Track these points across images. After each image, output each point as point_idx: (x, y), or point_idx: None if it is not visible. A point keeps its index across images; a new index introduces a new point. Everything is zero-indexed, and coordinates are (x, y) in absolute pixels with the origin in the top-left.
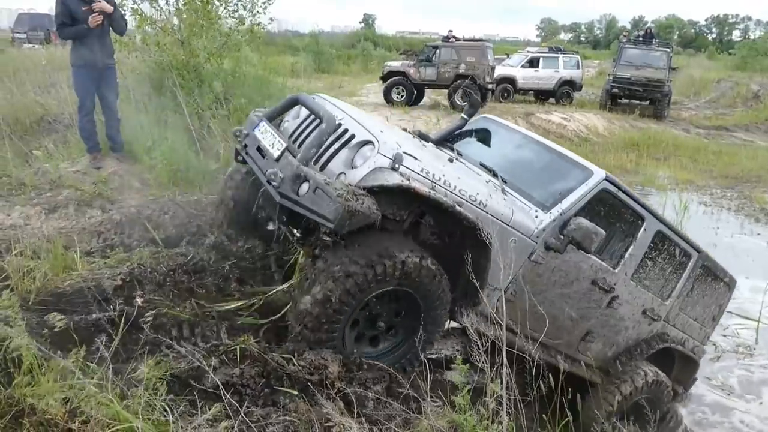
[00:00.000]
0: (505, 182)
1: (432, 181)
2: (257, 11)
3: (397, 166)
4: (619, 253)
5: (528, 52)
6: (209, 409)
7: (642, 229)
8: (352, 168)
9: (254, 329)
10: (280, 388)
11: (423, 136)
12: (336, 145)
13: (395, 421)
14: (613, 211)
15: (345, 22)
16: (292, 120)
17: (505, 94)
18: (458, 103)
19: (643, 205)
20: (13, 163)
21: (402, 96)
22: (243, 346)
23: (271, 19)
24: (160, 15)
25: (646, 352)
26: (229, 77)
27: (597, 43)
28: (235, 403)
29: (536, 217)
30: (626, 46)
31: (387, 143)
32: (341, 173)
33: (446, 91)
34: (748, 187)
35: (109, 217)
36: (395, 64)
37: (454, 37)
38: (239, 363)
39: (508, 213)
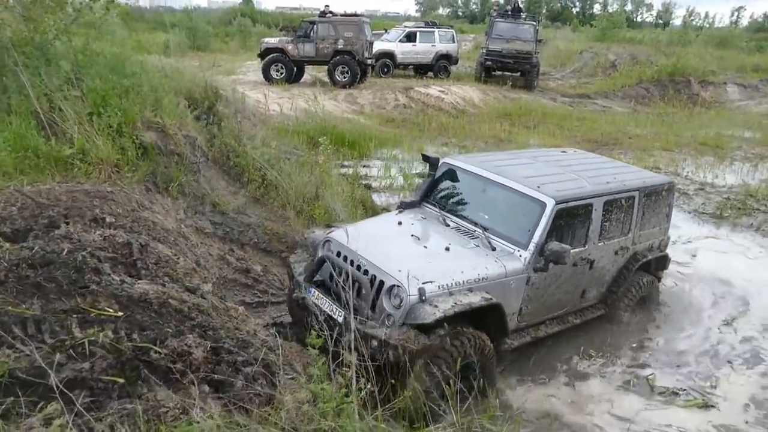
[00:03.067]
0: (486, 230)
1: (449, 291)
2: None
3: (424, 298)
4: (584, 234)
5: (405, 26)
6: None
7: (593, 210)
8: (395, 308)
9: (111, 321)
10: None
11: (406, 205)
12: (373, 292)
13: (260, 398)
14: (569, 215)
15: None
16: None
17: (385, 69)
18: (338, 79)
19: (589, 197)
20: None
21: (282, 73)
22: (92, 338)
23: None
24: None
25: (627, 276)
26: (80, 56)
27: (474, 17)
28: (74, 397)
29: (520, 256)
30: (496, 20)
31: (409, 281)
32: (390, 315)
33: (326, 67)
34: (607, 149)
35: None
36: (272, 41)
37: (331, 12)
38: (89, 357)
39: (502, 270)
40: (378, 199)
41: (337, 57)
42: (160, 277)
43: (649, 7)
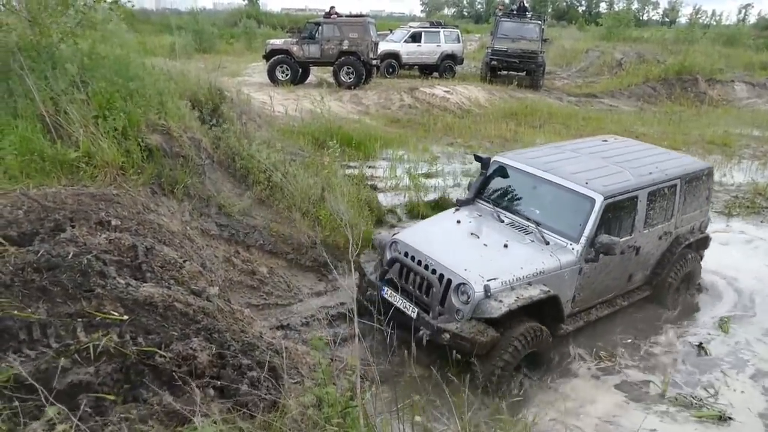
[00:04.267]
0: (539, 225)
1: (511, 287)
2: None
3: (489, 294)
4: (630, 223)
5: (410, 27)
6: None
7: (638, 201)
8: (464, 304)
9: (117, 325)
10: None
11: (462, 202)
12: (442, 289)
13: (265, 402)
14: (616, 208)
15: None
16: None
17: (391, 70)
18: (344, 80)
19: (634, 189)
20: None
21: (287, 75)
22: (97, 342)
23: None
24: None
25: (671, 258)
26: (85, 59)
27: (479, 17)
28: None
29: (573, 249)
30: (502, 19)
31: (475, 279)
32: (459, 310)
33: (331, 68)
34: None
35: None
36: (278, 42)
37: (336, 13)
38: (93, 361)
39: (557, 263)
40: (384, 199)
41: (342, 58)
42: (165, 280)
43: (656, 5)
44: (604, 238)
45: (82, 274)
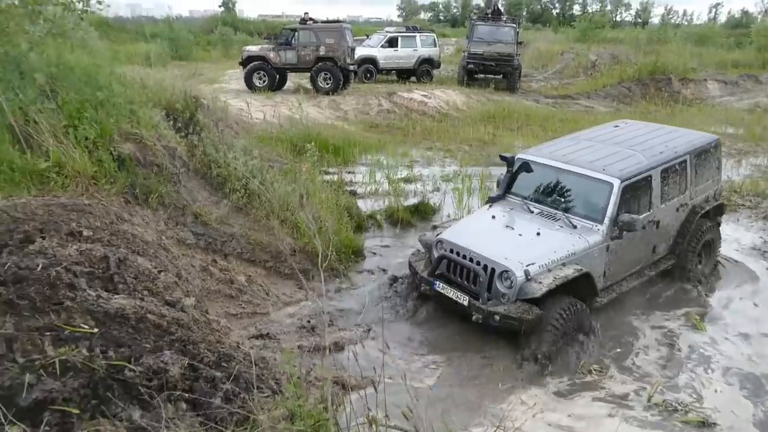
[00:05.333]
0: (567, 211)
1: (548, 269)
2: None
3: (530, 277)
4: (648, 200)
5: (387, 32)
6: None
7: (652, 179)
8: (508, 288)
9: (86, 338)
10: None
11: (494, 199)
12: (487, 278)
13: (236, 416)
14: (633, 188)
15: (205, 6)
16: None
17: (368, 75)
18: (321, 85)
19: (648, 170)
20: None
21: (264, 81)
22: (63, 357)
23: (99, 2)
24: None
25: (689, 227)
26: (53, 68)
27: (455, 21)
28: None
29: (598, 229)
30: (477, 23)
31: (516, 266)
32: (504, 294)
33: (309, 74)
34: None
35: None
36: (254, 49)
37: (311, 19)
38: (60, 376)
39: (586, 244)
40: (364, 205)
41: (320, 63)
42: (138, 291)
43: (628, 6)
44: (625, 216)
45: (51, 287)
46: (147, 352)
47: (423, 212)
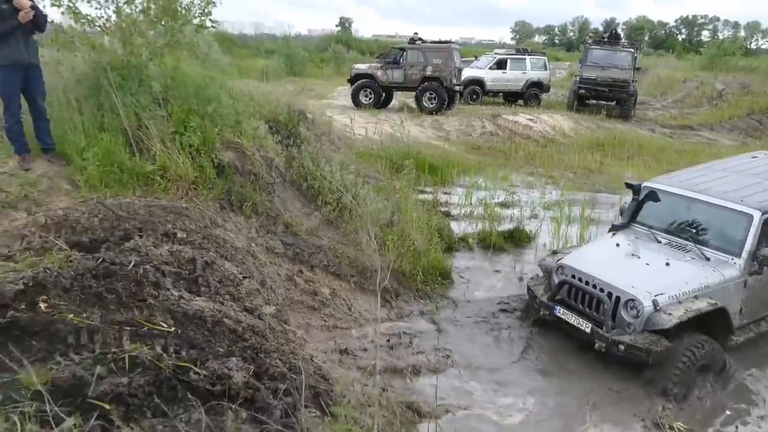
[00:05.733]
0: (698, 243)
1: (678, 300)
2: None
3: (658, 308)
4: None
5: (496, 54)
6: (90, 420)
7: None
8: (634, 318)
9: (163, 336)
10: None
11: (617, 227)
12: (611, 306)
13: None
14: None
15: (323, 26)
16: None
17: (474, 96)
18: (426, 105)
19: None
20: None
21: (370, 98)
22: (133, 353)
23: (211, 20)
24: (101, 13)
25: None
26: (169, 79)
27: (570, 45)
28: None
29: (735, 263)
30: (591, 47)
31: (643, 295)
32: (630, 323)
33: (414, 93)
34: None
35: (34, 220)
36: (362, 67)
37: (420, 39)
38: (128, 372)
39: (721, 278)
40: (456, 227)
41: (425, 83)
42: (221, 294)
43: (766, 33)
44: (765, 251)
45: (137, 284)
46: (217, 356)
47: (517, 239)
